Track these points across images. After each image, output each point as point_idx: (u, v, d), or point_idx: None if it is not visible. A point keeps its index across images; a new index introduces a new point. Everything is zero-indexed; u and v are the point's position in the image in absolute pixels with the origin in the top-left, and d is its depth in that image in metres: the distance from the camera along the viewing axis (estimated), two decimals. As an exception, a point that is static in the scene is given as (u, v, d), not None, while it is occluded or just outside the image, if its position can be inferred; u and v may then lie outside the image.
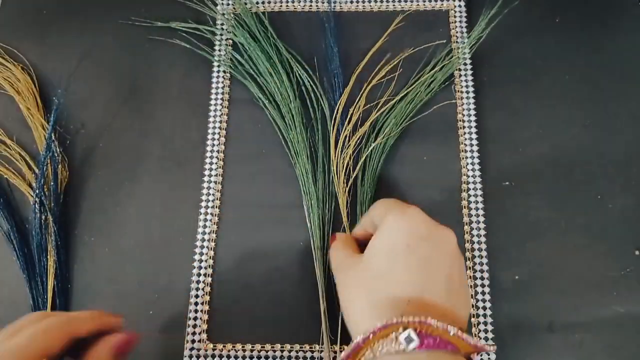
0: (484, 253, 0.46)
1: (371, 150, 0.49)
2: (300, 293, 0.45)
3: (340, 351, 0.43)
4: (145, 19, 0.55)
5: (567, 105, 0.51)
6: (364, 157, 0.48)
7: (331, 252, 0.41)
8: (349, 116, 0.50)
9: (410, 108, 0.50)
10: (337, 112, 0.50)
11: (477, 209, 0.47)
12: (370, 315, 0.33)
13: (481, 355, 0.43)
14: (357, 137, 0.49)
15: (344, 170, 0.48)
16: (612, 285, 0.45)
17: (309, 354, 0.44)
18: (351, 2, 0.56)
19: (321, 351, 0.43)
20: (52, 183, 0.48)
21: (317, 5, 0.56)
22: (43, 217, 0.47)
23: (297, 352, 0.44)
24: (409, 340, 0.31)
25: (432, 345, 0.31)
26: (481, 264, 0.46)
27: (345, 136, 0.49)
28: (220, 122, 0.51)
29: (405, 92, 0.51)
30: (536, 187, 0.48)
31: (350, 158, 0.49)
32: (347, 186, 0.48)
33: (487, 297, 0.45)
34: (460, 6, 0.55)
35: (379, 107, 0.50)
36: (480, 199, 0.48)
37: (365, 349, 0.32)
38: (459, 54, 0.53)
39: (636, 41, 0.53)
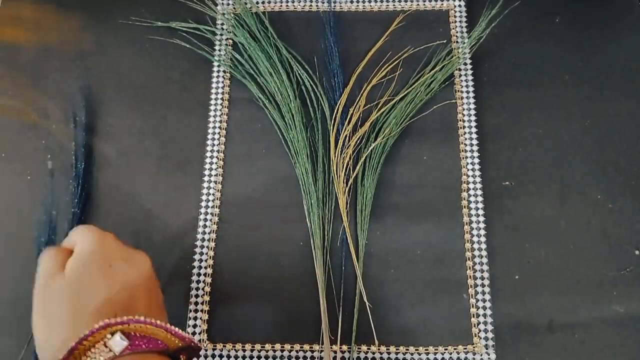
0: (484, 253, 0.46)
1: (371, 150, 0.49)
2: (300, 293, 0.45)
3: (341, 351, 0.43)
4: (145, 19, 0.55)
5: (567, 105, 0.51)
6: (364, 157, 0.48)
7: (42, 258, 0.37)
8: (349, 116, 0.50)
9: (410, 108, 0.50)
10: (337, 112, 0.50)
11: (477, 209, 0.47)
12: (75, 329, 0.31)
13: (481, 355, 0.43)
14: (357, 137, 0.49)
15: (344, 170, 0.48)
16: (612, 285, 0.45)
17: (309, 354, 0.44)
18: (351, 2, 0.56)
19: (321, 351, 0.43)
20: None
21: (317, 5, 0.56)
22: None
23: (297, 352, 0.44)
24: (118, 344, 0.30)
25: (142, 346, 0.31)
26: (481, 264, 0.46)
27: (345, 136, 0.49)
28: (220, 122, 0.51)
29: (405, 92, 0.51)
30: (536, 187, 0.48)
31: (350, 158, 0.49)
32: (347, 186, 0.48)
33: (487, 297, 0.45)
34: (460, 6, 0.55)
35: (379, 107, 0.50)
36: (480, 199, 0.48)
37: None
38: (459, 54, 0.53)
39: (636, 41, 0.53)
